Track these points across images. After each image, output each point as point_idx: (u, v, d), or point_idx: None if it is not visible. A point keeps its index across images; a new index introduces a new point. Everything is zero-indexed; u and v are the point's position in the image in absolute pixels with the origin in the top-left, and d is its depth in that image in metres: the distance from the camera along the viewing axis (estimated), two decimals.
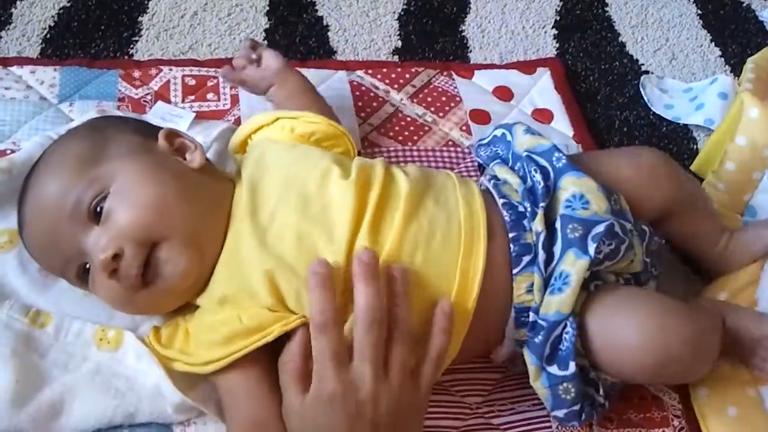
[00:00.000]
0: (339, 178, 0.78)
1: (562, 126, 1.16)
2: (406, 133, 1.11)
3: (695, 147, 1.20)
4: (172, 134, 0.83)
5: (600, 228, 0.77)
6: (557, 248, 0.78)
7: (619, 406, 0.85)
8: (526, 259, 0.78)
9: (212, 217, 0.78)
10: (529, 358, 0.77)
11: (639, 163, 0.90)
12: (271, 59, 1.00)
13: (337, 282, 0.71)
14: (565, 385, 0.76)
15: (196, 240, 0.75)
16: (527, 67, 1.26)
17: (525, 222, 0.80)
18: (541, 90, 1.22)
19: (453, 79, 1.20)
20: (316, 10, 1.31)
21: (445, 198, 0.80)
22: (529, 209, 0.80)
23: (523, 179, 0.84)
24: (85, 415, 0.75)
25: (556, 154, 0.84)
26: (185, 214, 0.75)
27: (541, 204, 0.80)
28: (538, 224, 0.78)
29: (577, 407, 0.77)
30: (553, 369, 0.76)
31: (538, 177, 0.82)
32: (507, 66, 1.26)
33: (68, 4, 1.23)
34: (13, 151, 0.94)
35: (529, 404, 0.85)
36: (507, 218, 0.80)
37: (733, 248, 0.96)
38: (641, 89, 1.26)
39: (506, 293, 0.78)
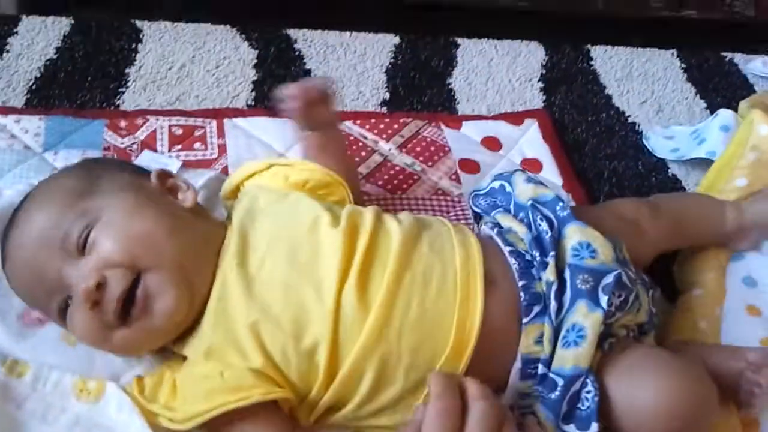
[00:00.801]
0: (328, 226, 0.76)
1: (551, 176, 1.15)
2: (395, 182, 1.10)
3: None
4: (165, 174, 0.82)
5: (609, 279, 0.75)
6: (566, 298, 0.75)
7: None
8: (537, 308, 0.75)
9: (201, 256, 0.76)
10: (543, 414, 0.74)
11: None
12: (333, 105, 0.94)
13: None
14: None
15: (183, 274, 0.73)
16: (515, 118, 1.26)
17: (533, 271, 0.78)
18: (530, 141, 1.21)
19: (441, 130, 1.20)
20: (305, 63, 1.32)
21: (440, 244, 0.78)
22: (537, 258, 0.78)
23: (529, 228, 0.82)
24: None
25: (560, 204, 0.83)
26: (173, 247, 0.74)
27: (552, 253, 0.78)
28: (549, 274, 0.76)
29: None
30: (571, 428, 0.73)
31: (544, 226, 0.80)
32: (495, 117, 1.26)
33: (55, 56, 1.23)
34: None
35: None
36: (516, 266, 0.78)
37: (748, 217, 0.98)
38: (644, 141, 1.26)
39: (511, 344, 0.75)
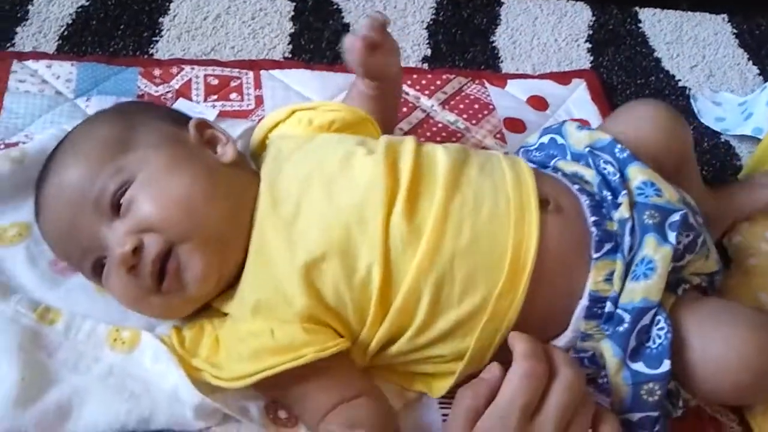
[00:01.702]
0: (364, 156, 0.72)
1: None
2: (438, 138, 1.05)
3: (738, 163, 1.15)
4: (203, 124, 0.78)
5: (676, 217, 0.72)
6: (635, 237, 0.72)
7: (674, 428, 0.78)
8: (608, 246, 0.72)
9: (238, 217, 0.72)
10: (611, 350, 0.70)
11: (648, 117, 0.85)
12: (395, 57, 0.89)
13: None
14: (650, 385, 0.69)
15: (219, 244, 0.70)
16: (562, 78, 1.21)
17: (604, 210, 0.75)
18: (578, 101, 1.17)
19: (485, 87, 1.15)
20: (343, 17, 1.27)
21: (490, 168, 0.74)
22: (609, 198, 0.75)
23: (594, 171, 0.79)
24: (94, 419, 0.68)
25: (618, 146, 0.80)
26: (210, 213, 0.70)
27: (623, 192, 0.74)
28: (624, 211, 0.73)
29: (656, 414, 0.69)
30: (639, 366, 0.69)
31: (610, 168, 0.77)
32: (541, 76, 1.21)
33: (87, 3, 1.18)
34: (25, 143, 0.88)
35: None
36: (587, 202, 0.75)
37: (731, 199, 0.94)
38: (692, 101, 1.23)
39: (575, 279, 0.72)
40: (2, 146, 0.89)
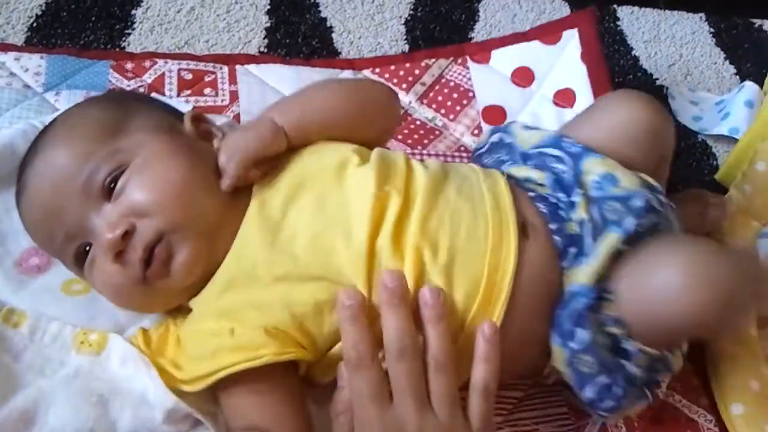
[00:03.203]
0: (357, 166, 0.70)
1: (586, 104, 1.06)
2: (416, 136, 1.04)
3: (715, 162, 1.15)
4: (199, 118, 0.76)
5: (638, 203, 0.71)
6: (599, 232, 0.71)
7: (652, 428, 0.78)
8: (573, 250, 0.71)
9: (229, 211, 0.69)
10: (556, 341, 0.69)
11: (628, 108, 0.81)
12: None
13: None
14: (582, 357, 0.68)
15: (210, 236, 0.68)
16: (550, 35, 1.16)
17: (562, 213, 0.73)
18: (566, 63, 1.13)
19: (467, 68, 1.13)
20: (320, 11, 1.25)
21: (469, 188, 0.72)
22: (564, 199, 0.73)
23: (545, 172, 0.77)
24: (61, 424, 0.66)
25: (566, 140, 0.78)
26: (205, 202, 0.68)
27: (578, 190, 0.73)
28: (582, 212, 0.71)
29: (605, 379, 0.68)
30: (573, 344, 0.68)
31: (560, 166, 0.76)
32: (529, 37, 1.18)
33: None
34: None
35: (554, 425, 0.78)
36: (544, 210, 0.73)
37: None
38: (669, 100, 1.22)
39: (550, 294, 0.70)
40: None
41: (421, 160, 0.76)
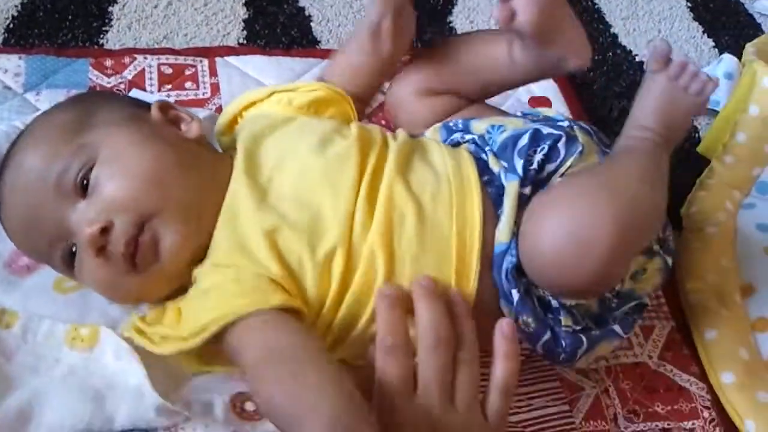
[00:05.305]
0: (339, 140, 0.72)
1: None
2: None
3: (696, 135, 1.16)
4: (166, 106, 0.76)
5: (524, 140, 0.71)
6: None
7: (645, 398, 0.79)
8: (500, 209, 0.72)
9: (209, 189, 0.69)
10: (502, 303, 0.70)
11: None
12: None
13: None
14: (521, 318, 0.69)
15: (190, 212, 0.68)
16: None
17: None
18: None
19: None
20: (297, 1, 1.25)
21: (430, 156, 0.74)
22: (484, 157, 0.74)
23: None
24: (58, 421, 0.66)
25: (452, 122, 0.81)
26: (181, 184, 0.68)
27: (486, 149, 0.75)
28: (493, 164, 0.73)
29: (546, 335, 0.70)
30: (513, 305, 0.69)
31: (468, 136, 0.78)
32: None
33: None
34: None
35: (547, 399, 0.78)
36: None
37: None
38: None
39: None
40: None
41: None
